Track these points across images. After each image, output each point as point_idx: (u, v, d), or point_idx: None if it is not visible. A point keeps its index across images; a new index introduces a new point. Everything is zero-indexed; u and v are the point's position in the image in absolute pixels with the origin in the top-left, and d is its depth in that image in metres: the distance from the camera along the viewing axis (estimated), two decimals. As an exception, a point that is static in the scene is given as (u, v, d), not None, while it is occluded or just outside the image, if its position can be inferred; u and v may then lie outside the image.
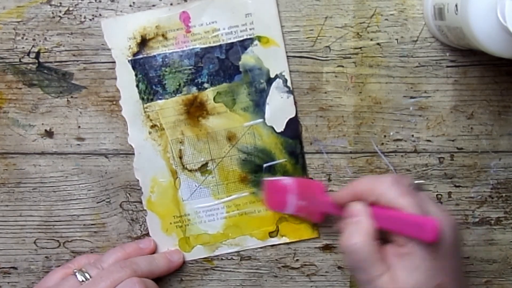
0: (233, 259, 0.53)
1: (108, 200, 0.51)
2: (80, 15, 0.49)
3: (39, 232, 0.52)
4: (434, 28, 0.48)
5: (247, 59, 0.49)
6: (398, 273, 0.41)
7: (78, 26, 0.49)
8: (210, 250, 0.52)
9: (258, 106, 0.50)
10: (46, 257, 0.52)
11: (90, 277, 0.47)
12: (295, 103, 0.50)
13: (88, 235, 0.52)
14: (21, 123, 0.50)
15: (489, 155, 0.51)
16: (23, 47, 0.49)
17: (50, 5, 0.49)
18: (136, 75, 0.49)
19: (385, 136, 0.51)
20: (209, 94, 0.50)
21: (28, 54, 0.49)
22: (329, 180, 0.51)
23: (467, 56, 0.50)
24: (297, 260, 0.53)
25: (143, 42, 0.49)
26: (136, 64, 0.49)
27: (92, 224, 0.52)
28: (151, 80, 0.49)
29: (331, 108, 0.50)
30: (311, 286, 0.53)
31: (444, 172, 0.51)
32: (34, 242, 0.52)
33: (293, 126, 0.50)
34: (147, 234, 0.52)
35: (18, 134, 0.51)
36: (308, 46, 0.50)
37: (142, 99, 0.50)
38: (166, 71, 0.49)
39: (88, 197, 0.52)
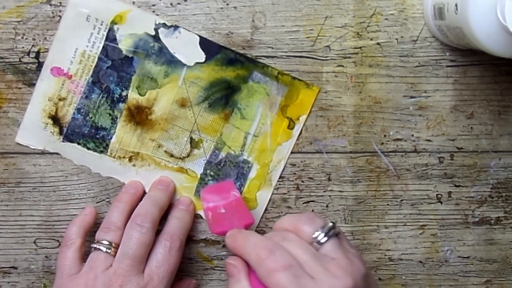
0: (233, 259, 0.53)
1: (108, 200, 0.51)
2: (80, 15, 0.49)
3: (39, 232, 0.52)
4: (434, 28, 0.48)
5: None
6: None
7: (78, 26, 0.49)
8: None
9: (172, 62, 0.49)
10: (46, 257, 0.52)
11: (110, 243, 0.46)
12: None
13: (88, 235, 0.52)
14: (21, 123, 0.50)
15: (489, 155, 0.51)
16: (23, 47, 0.49)
17: (50, 5, 0.49)
18: None
19: (385, 135, 0.51)
20: (133, 95, 0.49)
21: (28, 53, 0.49)
22: (329, 180, 0.51)
23: (467, 56, 0.50)
24: (297, 259, 0.53)
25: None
26: None
27: (92, 224, 0.52)
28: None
29: (331, 108, 0.50)
30: (311, 285, 0.53)
31: (444, 172, 0.51)
32: (34, 242, 0.52)
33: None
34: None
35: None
36: (308, 45, 0.50)
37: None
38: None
39: (88, 197, 0.51)
